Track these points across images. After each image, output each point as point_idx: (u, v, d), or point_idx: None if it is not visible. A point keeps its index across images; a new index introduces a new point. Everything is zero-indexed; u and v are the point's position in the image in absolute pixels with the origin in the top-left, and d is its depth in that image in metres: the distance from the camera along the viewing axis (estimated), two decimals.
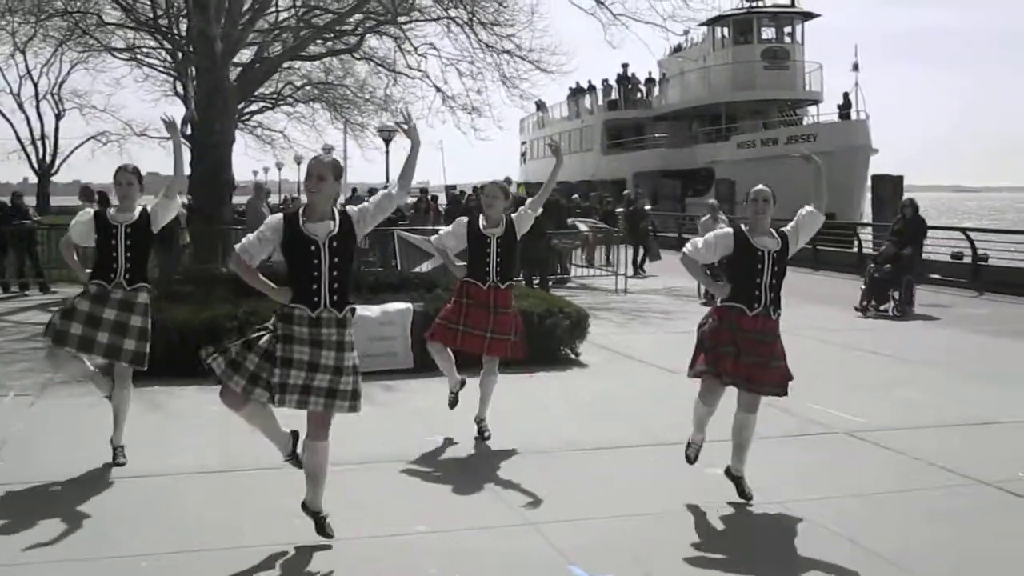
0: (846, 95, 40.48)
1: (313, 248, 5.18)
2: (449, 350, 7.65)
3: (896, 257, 16.01)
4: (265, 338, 5.24)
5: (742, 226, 6.25)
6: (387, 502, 6.16)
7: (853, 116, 40.31)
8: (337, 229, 5.24)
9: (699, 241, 6.37)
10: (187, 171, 6.86)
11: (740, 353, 6.01)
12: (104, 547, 5.31)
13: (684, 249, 6.38)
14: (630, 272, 20.66)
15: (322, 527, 5.41)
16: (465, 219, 7.66)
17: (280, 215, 5.40)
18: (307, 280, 5.19)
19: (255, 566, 5.10)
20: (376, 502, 6.15)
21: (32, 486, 6.37)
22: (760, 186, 6.27)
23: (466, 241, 7.52)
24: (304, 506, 5.46)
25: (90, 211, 7.01)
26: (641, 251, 23.27)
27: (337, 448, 7.04)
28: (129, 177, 6.77)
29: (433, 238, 8.08)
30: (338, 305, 5.23)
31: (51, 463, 6.81)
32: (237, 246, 5.37)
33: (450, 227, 7.75)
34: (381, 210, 5.44)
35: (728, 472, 6.29)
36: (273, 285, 5.29)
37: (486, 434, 7.64)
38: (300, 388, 5.18)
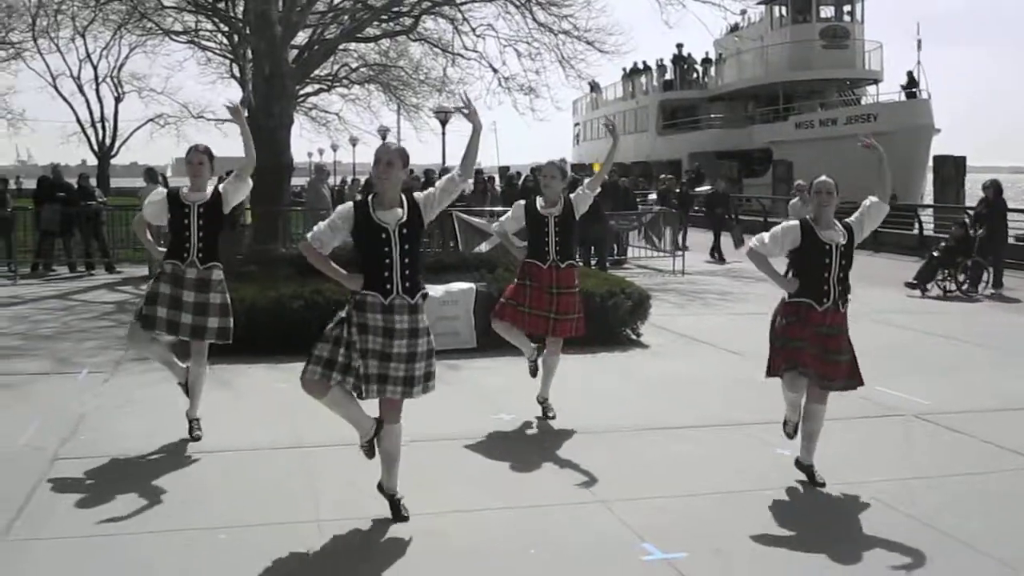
0: (910, 74, 39.76)
1: (384, 236, 5.23)
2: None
3: (964, 238, 15.79)
4: (337, 327, 5.30)
5: (808, 218, 6.18)
6: (456, 480, 6.23)
7: (916, 95, 39.62)
8: (406, 216, 5.30)
9: (765, 236, 6.28)
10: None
11: (811, 347, 6.00)
12: (182, 519, 5.44)
13: (750, 243, 6.30)
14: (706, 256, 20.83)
15: (397, 508, 5.49)
16: (523, 201, 7.70)
17: (350, 204, 5.44)
18: (379, 267, 5.24)
19: (331, 540, 5.20)
20: (446, 480, 6.22)
21: (111, 460, 6.53)
22: (823, 177, 6.19)
23: (524, 222, 7.58)
24: (380, 487, 5.55)
25: (163, 191, 7.15)
26: (713, 237, 22.59)
27: (406, 425, 7.16)
28: (201, 157, 6.88)
29: (494, 225, 8.10)
30: (410, 292, 5.27)
31: (129, 438, 6.98)
32: (308, 234, 5.42)
33: (509, 211, 7.79)
34: (447, 194, 5.47)
35: (798, 462, 6.29)
36: (344, 272, 5.34)
37: (550, 414, 7.69)
38: (377, 377, 5.25)
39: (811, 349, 6.00)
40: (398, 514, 5.47)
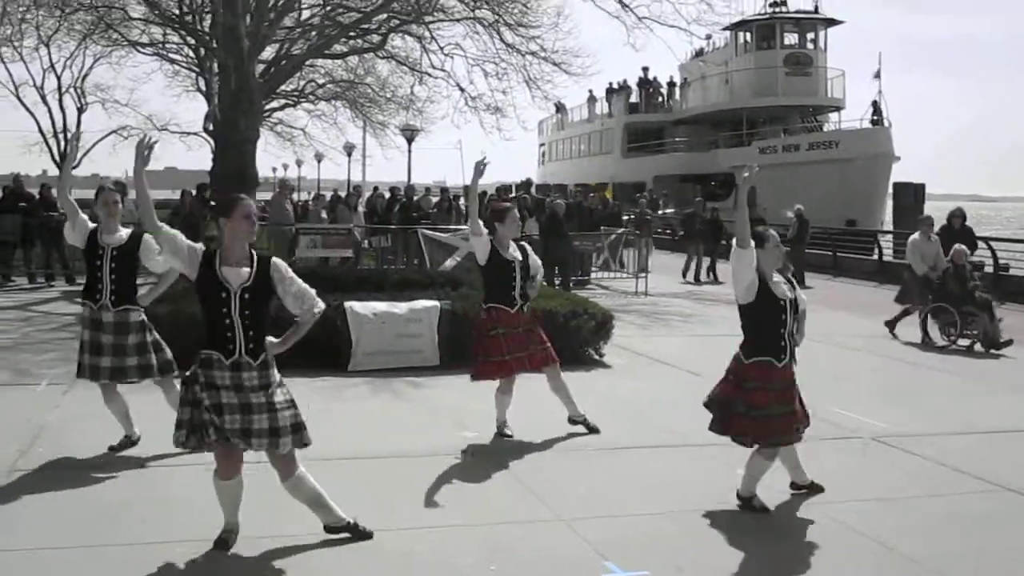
0: (875, 103, 40.22)
1: (224, 295, 5.06)
2: (511, 388, 7.76)
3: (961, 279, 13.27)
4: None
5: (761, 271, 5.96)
6: (418, 496, 6.22)
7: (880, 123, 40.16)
8: (252, 278, 5.11)
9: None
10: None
11: (780, 408, 5.98)
12: (141, 533, 5.41)
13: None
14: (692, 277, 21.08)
15: (357, 532, 5.42)
16: (487, 239, 7.63)
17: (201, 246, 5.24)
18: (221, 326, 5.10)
19: (294, 556, 5.18)
20: (409, 496, 6.21)
21: (69, 472, 6.47)
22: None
23: (487, 264, 7.62)
24: (328, 528, 5.43)
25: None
26: (708, 260, 22.62)
27: (369, 442, 7.16)
28: (115, 196, 6.98)
29: (464, 234, 8.14)
30: (253, 353, 5.12)
31: (88, 450, 6.92)
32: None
33: (477, 240, 7.65)
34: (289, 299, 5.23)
35: (795, 487, 6.44)
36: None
37: (591, 425, 7.89)
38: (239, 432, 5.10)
39: (781, 409, 5.97)
40: (361, 535, 5.41)
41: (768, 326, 5.95)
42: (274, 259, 5.24)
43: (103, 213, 6.95)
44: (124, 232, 6.95)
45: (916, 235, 13.94)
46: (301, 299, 5.22)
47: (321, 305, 5.32)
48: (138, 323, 6.97)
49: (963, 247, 13.60)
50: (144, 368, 6.97)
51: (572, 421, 7.91)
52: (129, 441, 7.07)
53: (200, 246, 5.20)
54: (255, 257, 5.16)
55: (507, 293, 7.57)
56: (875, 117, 40.14)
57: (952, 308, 12.95)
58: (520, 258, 7.64)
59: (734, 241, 5.94)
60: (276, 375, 5.20)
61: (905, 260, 14.96)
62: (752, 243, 5.88)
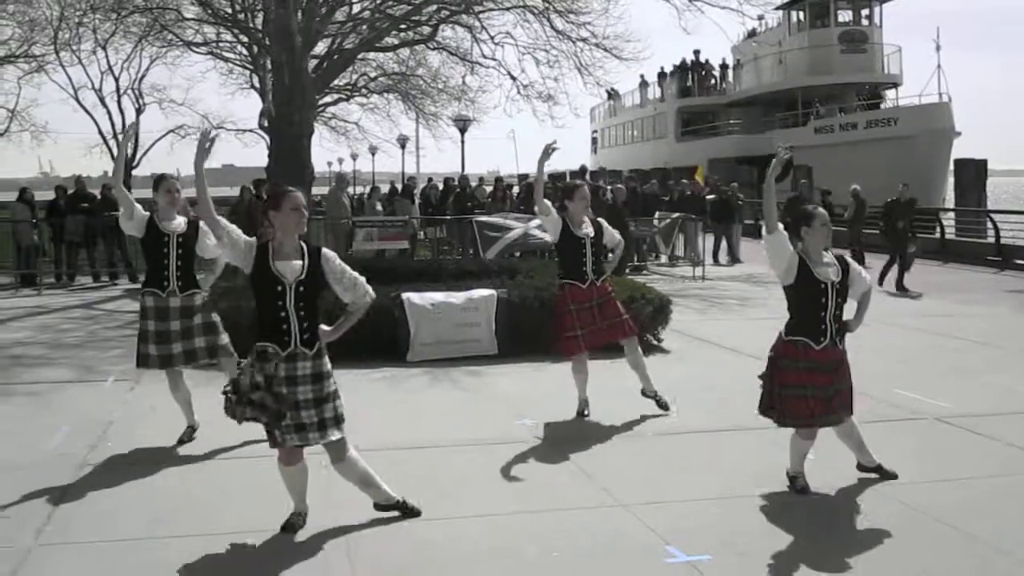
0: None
1: (280, 289, 5.13)
2: (585, 365, 7.89)
3: None
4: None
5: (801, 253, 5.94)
6: (480, 484, 6.27)
7: (936, 98, 39.39)
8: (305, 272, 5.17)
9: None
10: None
11: (823, 391, 5.91)
12: (208, 524, 5.49)
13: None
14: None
15: (407, 509, 5.53)
16: (559, 217, 7.77)
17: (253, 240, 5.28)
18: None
19: (357, 543, 5.25)
20: (469, 484, 6.25)
21: (137, 466, 6.61)
22: (820, 209, 6.07)
23: (559, 241, 7.77)
24: (378, 506, 5.55)
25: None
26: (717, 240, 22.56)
27: (428, 432, 7.21)
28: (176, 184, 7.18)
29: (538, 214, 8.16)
30: (308, 343, 5.20)
31: (155, 444, 7.08)
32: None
33: (547, 219, 7.81)
34: (345, 293, 5.32)
35: (862, 467, 6.37)
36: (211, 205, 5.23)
37: (663, 401, 8.04)
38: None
39: (824, 392, 5.90)
40: (410, 512, 5.53)
41: (808, 308, 5.90)
42: (324, 250, 5.32)
43: (164, 200, 7.08)
44: (182, 219, 7.10)
45: None
46: (353, 288, 5.30)
47: (372, 294, 5.39)
48: (203, 304, 7.15)
49: None
50: (212, 348, 7.15)
51: (644, 394, 8.05)
52: (192, 431, 7.20)
53: (254, 240, 5.27)
54: (306, 249, 5.22)
55: (579, 269, 7.71)
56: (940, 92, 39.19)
57: None
58: (592, 234, 7.74)
59: (763, 226, 5.93)
60: (328, 364, 5.28)
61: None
62: (780, 227, 5.88)
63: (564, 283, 7.79)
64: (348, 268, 5.34)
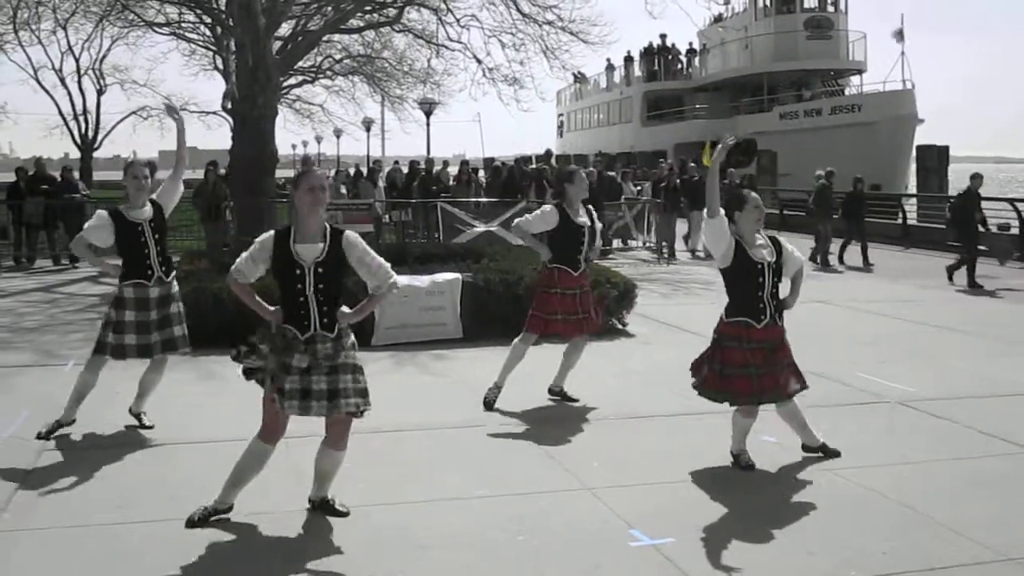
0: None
1: (299, 272, 5.08)
2: (529, 347, 7.86)
3: None
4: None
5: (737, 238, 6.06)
6: (443, 468, 6.25)
7: (899, 86, 39.68)
8: (325, 254, 5.10)
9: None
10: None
11: (764, 368, 6.04)
12: (169, 510, 5.43)
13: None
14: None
15: (332, 509, 5.42)
16: (552, 208, 7.78)
17: (271, 233, 5.24)
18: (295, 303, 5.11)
19: (317, 529, 5.23)
20: (433, 468, 6.24)
21: (97, 451, 6.55)
22: (754, 193, 6.17)
23: (552, 227, 7.71)
24: (311, 502, 5.47)
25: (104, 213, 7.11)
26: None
27: (393, 416, 7.17)
28: (144, 171, 7.02)
29: (517, 221, 8.13)
30: (328, 327, 5.16)
31: (114, 429, 7.02)
32: (232, 268, 5.28)
33: (537, 213, 7.86)
34: (371, 277, 5.27)
35: (806, 448, 6.45)
36: (268, 307, 5.19)
37: (570, 396, 7.99)
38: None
39: (764, 369, 6.02)
40: (335, 512, 5.40)
41: (745, 288, 6.05)
42: (347, 232, 5.23)
43: (132, 187, 6.95)
44: (149, 207, 6.98)
45: None
46: (376, 273, 5.22)
47: (397, 278, 5.32)
48: (177, 293, 7.13)
49: None
50: (184, 338, 7.13)
51: (551, 391, 8.03)
52: (145, 417, 7.14)
53: (270, 236, 5.18)
54: (328, 232, 5.15)
55: (573, 257, 7.70)
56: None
57: None
58: (589, 223, 7.76)
59: (705, 211, 6.08)
60: (348, 342, 5.23)
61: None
62: (720, 212, 6.02)
63: (555, 268, 7.71)
64: (372, 251, 5.25)
